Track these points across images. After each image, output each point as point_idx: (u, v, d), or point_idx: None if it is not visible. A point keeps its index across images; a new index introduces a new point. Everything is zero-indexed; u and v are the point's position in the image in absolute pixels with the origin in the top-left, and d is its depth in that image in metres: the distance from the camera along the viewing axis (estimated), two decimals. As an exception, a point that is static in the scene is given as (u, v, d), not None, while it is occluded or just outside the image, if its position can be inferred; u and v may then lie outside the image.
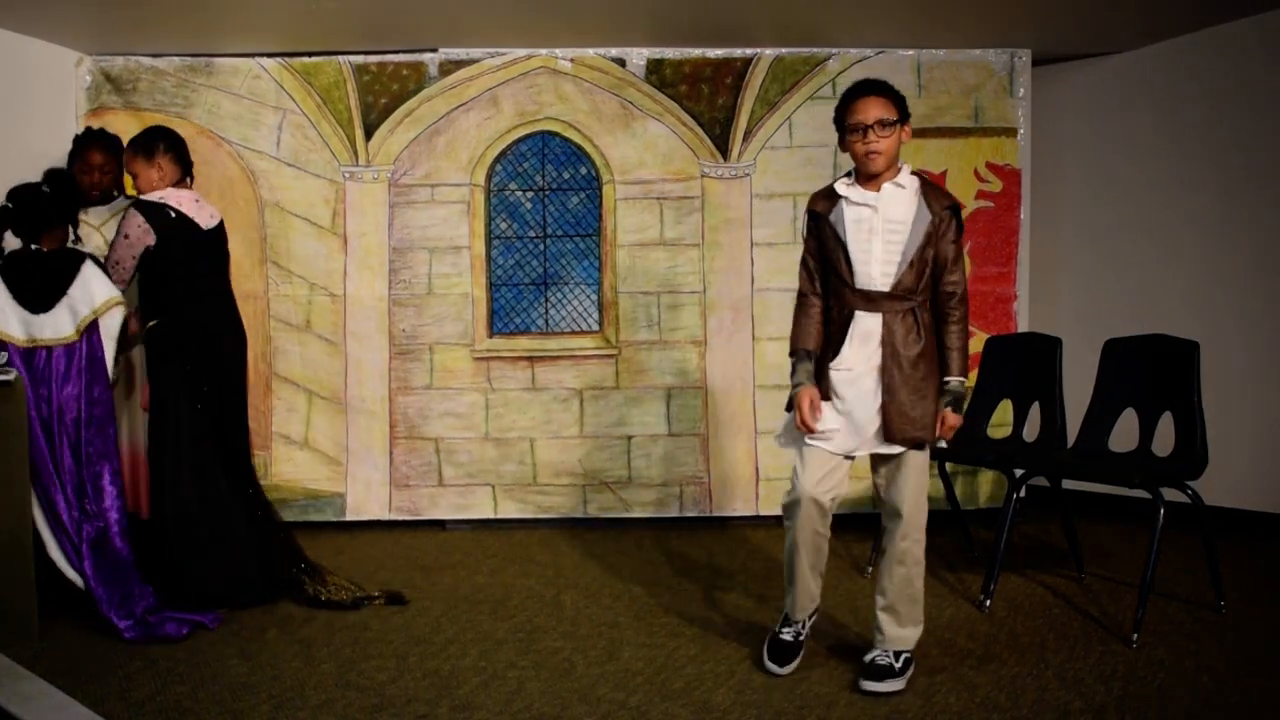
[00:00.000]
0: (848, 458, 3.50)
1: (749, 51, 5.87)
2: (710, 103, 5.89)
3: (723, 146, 5.89)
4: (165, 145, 4.52)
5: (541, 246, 5.94)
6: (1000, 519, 4.33)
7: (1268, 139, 5.44)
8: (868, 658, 3.49)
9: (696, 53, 5.87)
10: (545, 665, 3.66)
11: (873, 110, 3.36)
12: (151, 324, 4.42)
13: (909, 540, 3.46)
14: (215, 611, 4.18)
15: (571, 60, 5.87)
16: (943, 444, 3.54)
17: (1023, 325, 5.94)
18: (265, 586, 4.45)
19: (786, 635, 3.61)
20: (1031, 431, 4.85)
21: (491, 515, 5.89)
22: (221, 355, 4.53)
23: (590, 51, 5.86)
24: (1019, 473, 4.47)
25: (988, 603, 4.24)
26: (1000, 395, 5.05)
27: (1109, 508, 5.70)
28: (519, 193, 5.94)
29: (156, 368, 4.41)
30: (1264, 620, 4.06)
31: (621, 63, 5.88)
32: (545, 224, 5.94)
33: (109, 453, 4.18)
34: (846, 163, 5.57)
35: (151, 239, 4.36)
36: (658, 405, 5.89)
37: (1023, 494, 4.39)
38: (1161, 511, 3.85)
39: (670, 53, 5.87)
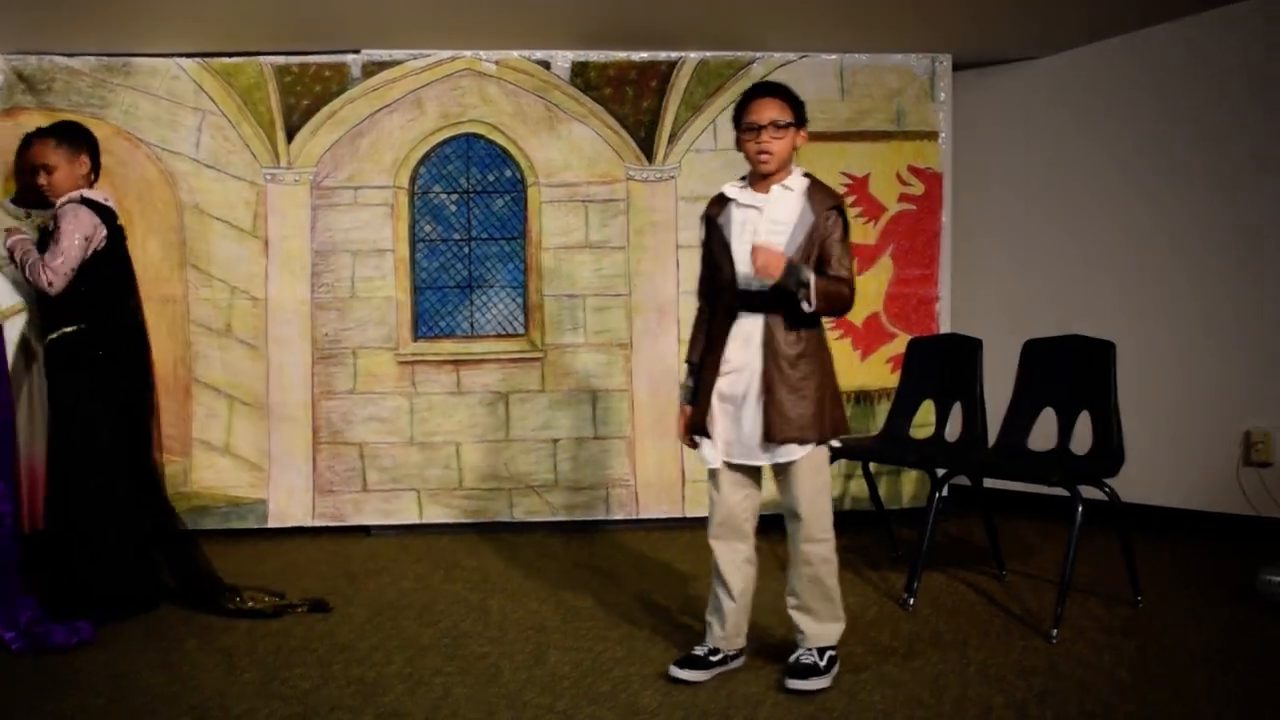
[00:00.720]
0: (754, 471, 3.51)
1: (674, 55, 5.89)
2: (635, 106, 5.90)
3: (648, 149, 5.90)
4: (89, 143, 4.42)
5: (466, 249, 5.91)
6: (923, 518, 4.37)
7: (1182, 141, 5.56)
8: (792, 658, 3.49)
9: (621, 55, 5.88)
10: (471, 670, 3.64)
11: (767, 111, 3.38)
12: (68, 329, 4.28)
13: (812, 541, 3.45)
14: (106, 619, 4.08)
15: (496, 62, 5.84)
16: (760, 281, 3.34)
17: (944, 327, 6.02)
18: (165, 595, 4.40)
19: (698, 650, 3.58)
20: (953, 431, 4.90)
21: (417, 520, 5.85)
22: (131, 362, 4.44)
23: (515, 54, 5.84)
24: (941, 472, 4.53)
25: (911, 601, 4.28)
26: (923, 396, 5.11)
27: (1029, 506, 5.78)
28: (443, 195, 5.90)
29: (63, 374, 4.28)
30: (1179, 614, 4.14)
31: (546, 65, 5.87)
32: (470, 227, 5.91)
33: (3, 453, 4.08)
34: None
35: (103, 237, 4.26)
36: (584, 408, 5.88)
37: (945, 493, 4.44)
38: (1079, 509, 3.91)
39: (595, 55, 5.87)
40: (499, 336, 5.92)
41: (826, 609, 3.49)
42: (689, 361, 3.61)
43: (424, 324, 5.89)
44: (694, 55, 5.89)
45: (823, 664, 3.44)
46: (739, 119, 3.45)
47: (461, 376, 5.86)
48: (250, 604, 4.33)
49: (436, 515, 5.85)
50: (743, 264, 3.38)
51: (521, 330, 5.92)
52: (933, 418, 5.02)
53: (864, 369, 5.99)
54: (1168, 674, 3.49)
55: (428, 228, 5.89)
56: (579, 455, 5.88)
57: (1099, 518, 4.32)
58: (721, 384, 3.44)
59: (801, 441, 3.37)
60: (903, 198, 6.01)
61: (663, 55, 5.89)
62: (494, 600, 4.52)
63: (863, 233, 5.95)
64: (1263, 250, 5.30)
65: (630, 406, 5.88)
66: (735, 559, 3.51)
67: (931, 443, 4.97)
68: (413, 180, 5.87)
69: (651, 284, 5.90)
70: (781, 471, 3.44)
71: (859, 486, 5.83)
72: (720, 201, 3.52)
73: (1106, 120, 5.86)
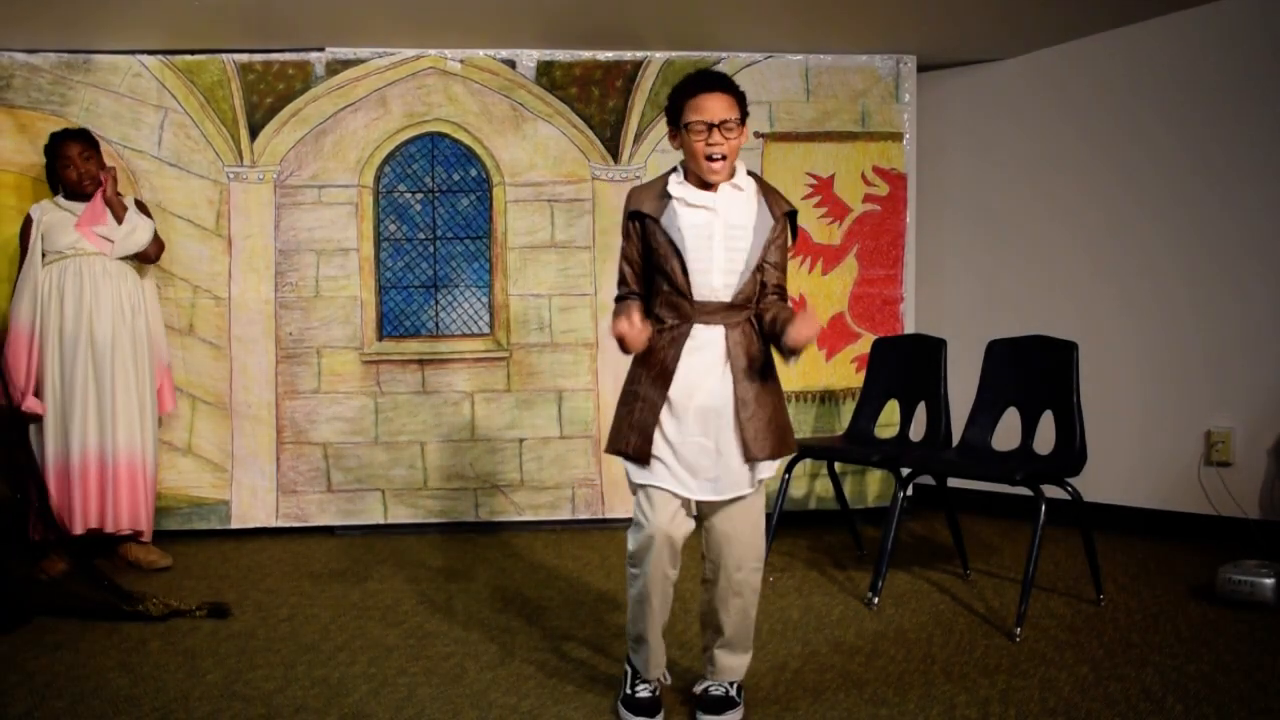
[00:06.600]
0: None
1: (639, 55, 5.89)
2: (601, 105, 5.89)
3: (613, 149, 5.90)
4: None
5: (431, 249, 5.89)
6: (887, 517, 4.39)
7: (1142, 144, 5.60)
8: (699, 689, 3.23)
9: (587, 55, 5.87)
10: (436, 671, 3.63)
11: (719, 108, 2.95)
12: None
13: (746, 570, 3.09)
14: None
15: (461, 61, 5.83)
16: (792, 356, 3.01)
17: (909, 327, 6.05)
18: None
19: (644, 692, 3.19)
20: (918, 431, 4.93)
21: (381, 520, 5.82)
22: None
23: (480, 53, 5.83)
24: (905, 472, 4.55)
25: (875, 600, 4.29)
26: (887, 395, 5.13)
27: (993, 505, 5.83)
28: (408, 194, 5.88)
29: None
30: (1140, 611, 4.17)
31: (512, 64, 5.86)
32: (435, 226, 5.89)
33: None
34: (744, 163, 5.52)
35: None
36: (549, 408, 5.87)
37: (909, 492, 4.45)
38: (1043, 508, 3.94)
39: (561, 55, 5.86)
40: (464, 336, 5.90)
41: (745, 643, 3.18)
42: (626, 293, 3.23)
43: (389, 323, 5.87)
44: (659, 55, 5.90)
45: (734, 694, 3.20)
46: (680, 112, 3.00)
47: (426, 376, 5.84)
48: (142, 607, 4.26)
49: (401, 515, 5.83)
50: (700, 272, 3.01)
51: (487, 330, 5.91)
52: (897, 417, 5.04)
53: (829, 369, 6.01)
54: (1130, 671, 3.52)
55: (392, 227, 5.87)
56: (544, 455, 5.87)
57: (1062, 517, 4.36)
58: (689, 410, 3.06)
59: (775, 456, 3.10)
60: (867, 198, 6.03)
61: (628, 55, 5.89)
62: (459, 601, 4.50)
63: (828, 233, 5.98)
64: (1221, 252, 5.35)
65: (596, 406, 5.87)
66: (667, 590, 3.12)
67: (896, 442, 4.98)
68: (377, 179, 5.85)
69: (616, 283, 5.88)
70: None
71: (824, 486, 5.85)
72: (660, 197, 3.07)
73: (1068, 122, 5.90)
